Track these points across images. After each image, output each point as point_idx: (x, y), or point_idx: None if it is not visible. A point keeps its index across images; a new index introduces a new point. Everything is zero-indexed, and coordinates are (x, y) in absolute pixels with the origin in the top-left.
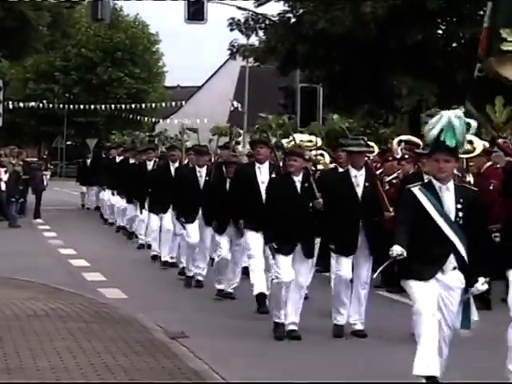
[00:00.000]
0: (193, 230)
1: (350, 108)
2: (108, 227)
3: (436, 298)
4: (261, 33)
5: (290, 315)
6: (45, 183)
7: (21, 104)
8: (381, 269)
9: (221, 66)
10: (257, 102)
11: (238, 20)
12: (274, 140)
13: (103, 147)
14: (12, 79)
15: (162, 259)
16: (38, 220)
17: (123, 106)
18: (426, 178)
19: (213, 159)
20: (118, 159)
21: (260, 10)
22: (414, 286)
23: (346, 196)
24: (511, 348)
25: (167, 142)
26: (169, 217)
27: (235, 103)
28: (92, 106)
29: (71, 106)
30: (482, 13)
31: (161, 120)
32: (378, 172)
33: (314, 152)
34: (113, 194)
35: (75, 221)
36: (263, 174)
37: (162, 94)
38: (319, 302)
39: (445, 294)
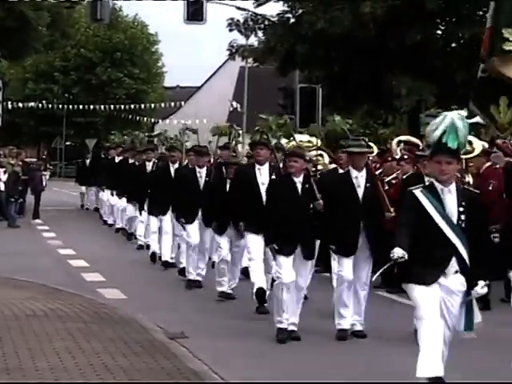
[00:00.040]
0: (193, 231)
1: (350, 108)
2: (107, 228)
3: (438, 302)
4: (260, 33)
5: (290, 316)
6: (44, 183)
7: (20, 104)
8: (380, 271)
9: (220, 67)
10: (256, 103)
11: (238, 20)
12: (274, 141)
13: (102, 147)
14: (11, 79)
15: (163, 259)
16: (37, 220)
17: (122, 107)
18: (426, 179)
19: (212, 160)
20: (117, 159)
21: (259, 10)
22: (416, 291)
23: (346, 197)
24: None
25: (167, 143)
26: (168, 218)
27: (234, 104)
28: (91, 107)
29: (70, 107)
30: (481, 13)
31: (160, 120)
32: (377, 172)
33: (313, 152)
34: (112, 195)
35: (74, 221)
36: (263, 175)
37: (161, 94)
38: (319, 302)
39: (447, 297)
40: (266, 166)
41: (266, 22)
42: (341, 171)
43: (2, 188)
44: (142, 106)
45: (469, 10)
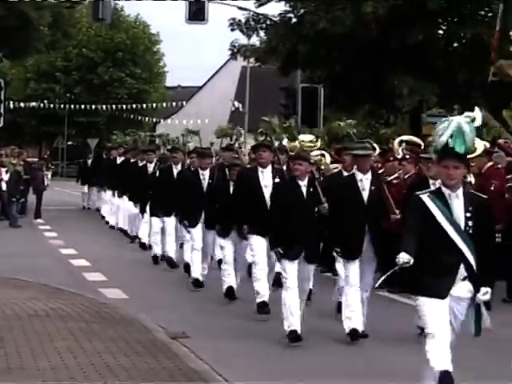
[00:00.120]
0: (197, 235)
1: (351, 108)
2: (109, 228)
3: (448, 316)
4: (262, 33)
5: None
6: (46, 183)
7: (22, 104)
8: (384, 277)
9: (221, 67)
10: (258, 103)
11: (239, 20)
12: (276, 144)
13: (104, 147)
14: (13, 79)
15: (167, 256)
16: (39, 220)
17: (124, 106)
18: (431, 182)
19: (214, 160)
20: (118, 160)
21: (261, 10)
22: (427, 306)
23: (351, 200)
24: None
25: (168, 144)
26: (172, 220)
27: (236, 103)
28: (93, 106)
29: (72, 106)
30: (483, 13)
31: (162, 120)
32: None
33: (315, 152)
34: (113, 195)
35: (76, 221)
36: (266, 178)
37: (162, 94)
38: (319, 303)
39: (455, 306)
40: (269, 168)
41: (268, 22)
42: (345, 173)
43: (4, 188)
44: (144, 105)
45: (471, 9)
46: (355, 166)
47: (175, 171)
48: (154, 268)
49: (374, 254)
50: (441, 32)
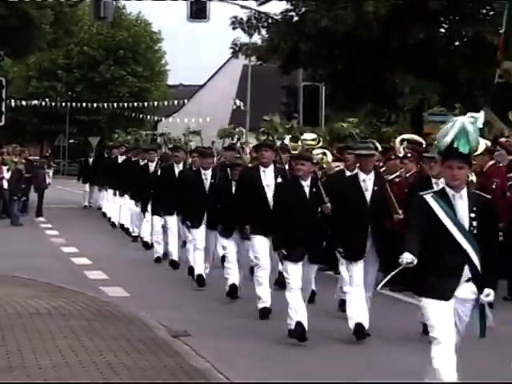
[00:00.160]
0: (199, 235)
1: (353, 107)
2: (110, 226)
3: (452, 318)
4: (263, 31)
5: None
6: (47, 181)
7: (23, 102)
8: (388, 278)
9: (223, 65)
10: (259, 101)
11: (241, 19)
12: (279, 143)
13: (105, 146)
14: (15, 77)
15: (170, 258)
16: (40, 218)
17: (126, 105)
18: (434, 181)
19: (215, 159)
20: (120, 159)
21: (262, 8)
22: (432, 307)
23: (354, 200)
24: None
25: (169, 143)
26: (174, 219)
27: (237, 102)
28: (94, 105)
29: (74, 104)
30: (484, 11)
31: (163, 118)
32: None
33: (317, 151)
34: (114, 194)
35: (77, 219)
36: (268, 177)
37: (164, 92)
38: (320, 302)
39: (459, 307)
40: (271, 167)
41: (270, 21)
42: (348, 173)
43: (6, 186)
44: (146, 104)
45: (472, 8)
46: (358, 166)
47: (177, 170)
48: (155, 266)
49: (376, 255)
50: (442, 31)
